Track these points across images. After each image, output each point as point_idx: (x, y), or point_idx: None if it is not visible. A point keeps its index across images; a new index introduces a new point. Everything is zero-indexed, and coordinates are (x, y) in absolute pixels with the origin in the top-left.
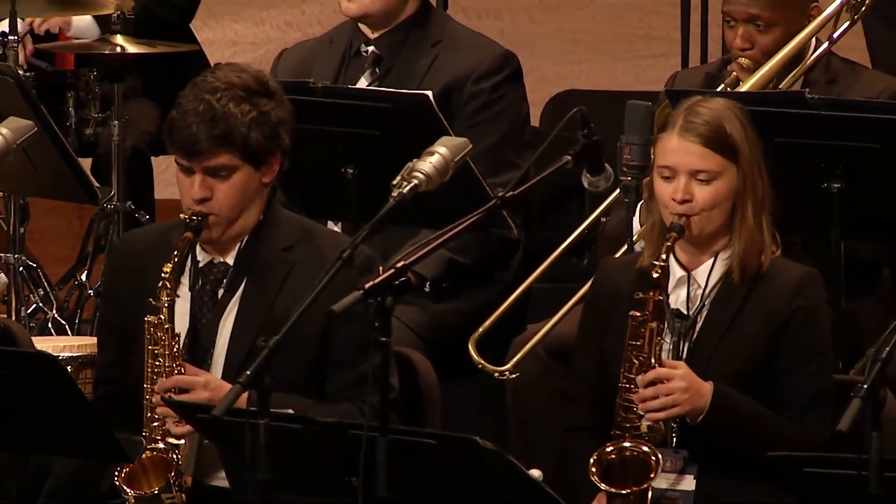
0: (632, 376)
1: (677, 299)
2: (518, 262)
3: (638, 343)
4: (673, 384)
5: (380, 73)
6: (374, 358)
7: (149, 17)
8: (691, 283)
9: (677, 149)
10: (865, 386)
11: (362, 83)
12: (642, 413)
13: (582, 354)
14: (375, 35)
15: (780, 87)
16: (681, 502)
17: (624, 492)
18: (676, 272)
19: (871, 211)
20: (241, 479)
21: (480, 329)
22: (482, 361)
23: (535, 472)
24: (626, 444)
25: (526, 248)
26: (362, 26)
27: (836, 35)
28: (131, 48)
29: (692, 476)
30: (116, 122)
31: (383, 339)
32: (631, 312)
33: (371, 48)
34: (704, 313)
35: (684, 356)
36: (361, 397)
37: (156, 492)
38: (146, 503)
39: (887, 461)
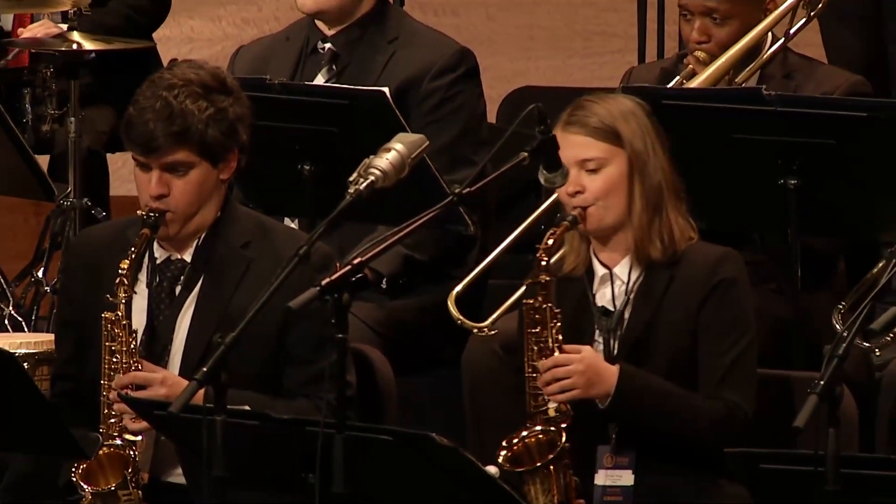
0: (535, 363)
1: (603, 297)
2: (475, 258)
3: (536, 330)
4: (571, 367)
5: (337, 70)
6: (331, 355)
7: (130, 23)
8: (614, 279)
9: (563, 143)
10: (822, 382)
11: (319, 80)
12: (548, 397)
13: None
14: (332, 32)
15: (737, 81)
16: (621, 497)
17: (534, 466)
18: (598, 271)
19: (828, 207)
20: (197, 475)
21: (459, 287)
22: (461, 317)
23: (492, 469)
24: (525, 433)
25: (482, 244)
26: (319, 23)
27: (792, 30)
28: (87, 45)
29: (631, 471)
30: (73, 119)
31: (340, 335)
32: (524, 301)
33: (328, 45)
34: (630, 308)
35: (615, 353)
36: (318, 394)
37: (112, 488)
38: (103, 499)
39: (843, 457)
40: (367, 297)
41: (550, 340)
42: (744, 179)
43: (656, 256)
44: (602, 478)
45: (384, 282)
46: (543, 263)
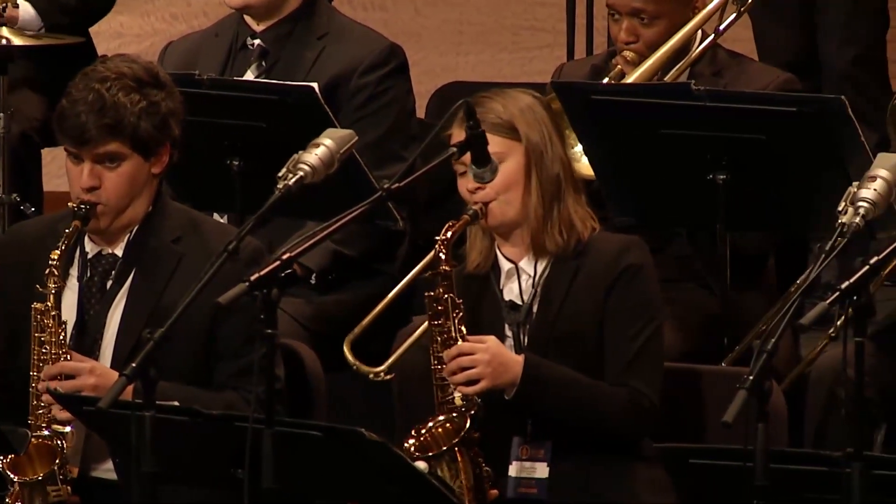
0: (440, 354)
1: (511, 292)
2: (404, 253)
3: (439, 321)
4: (476, 357)
5: (266, 66)
6: (260, 350)
7: (80, 17)
8: (520, 273)
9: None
10: (751, 377)
11: (249, 76)
12: (454, 387)
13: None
14: (261, 28)
15: (666, 79)
16: (535, 490)
17: (439, 451)
18: (504, 266)
19: (757, 202)
20: (127, 471)
21: (356, 330)
22: (357, 362)
23: (421, 464)
24: (431, 423)
25: (412, 239)
26: (248, 19)
27: (722, 27)
28: (17, 40)
29: (545, 463)
30: (2, 114)
31: (269, 331)
32: (426, 293)
33: (257, 41)
34: (538, 301)
35: (526, 346)
36: (247, 387)
37: (40, 478)
38: (30, 490)
39: (772, 452)
40: (295, 292)
41: (454, 331)
42: (673, 175)
43: (553, 248)
44: (516, 469)
45: (313, 277)
46: (442, 255)
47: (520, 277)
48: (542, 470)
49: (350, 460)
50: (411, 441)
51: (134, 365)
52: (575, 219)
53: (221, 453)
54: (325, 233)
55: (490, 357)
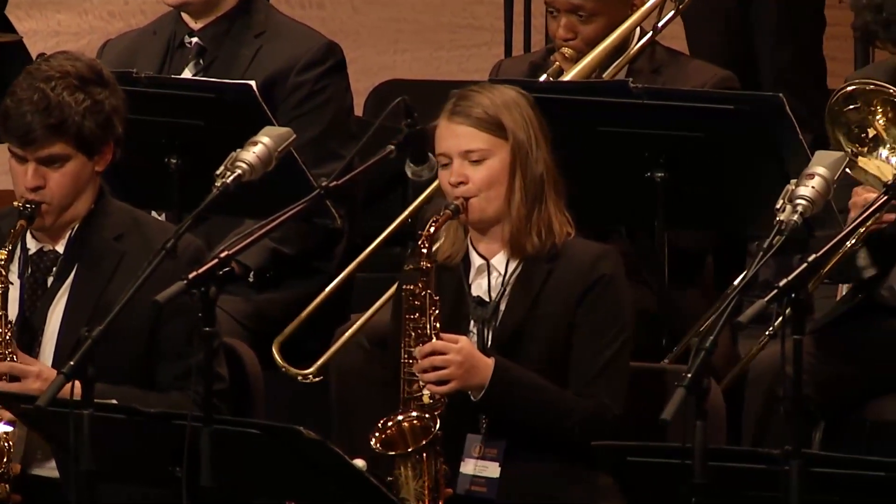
0: (411, 349)
1: (479, 288)
2: (342, 251)
3: (414, 316)
4: (448, 357)
5: (204, 64)
6: (199, 350)
7: None
8: (491, 270)
9: (447, 134)
10: (689, 375)
11: (186, 74)
12: (423, 384)
13: (393, 349)
14: (199, 26)
15: (604, 76)
16: (485, 489)
17: (406, 451)
18: (476, 261)
19: (695, 200)
20: (67, 469)
21: (285, 331)
22: (285, 365)
23: (359, 462)
24: (400, 417)
25: (350, 237)
26: (186, 17)
27: (660, 24)
28: None
29: (498, 463)
30: None
31: (207, 329)
32: (403, 286)
33: (195, 39)
34: (506, 300)
35: (489, 343)
36: (192, 387)
37: None
38: None
39: (711, 450)
40: (233, 290)
41: (428, 328)
42: (611, 173)
43: (531, 250)
44: (469, 466)
45: (251, 275)
46: (424, 251)
47: (490, 274)
48: (493, 469)
49: (288, 458)
50: (376, 435)
51: (72, 363)
52: (554, 222)
53: (160, 452)
54: (263, 231)
55: (462, 358)
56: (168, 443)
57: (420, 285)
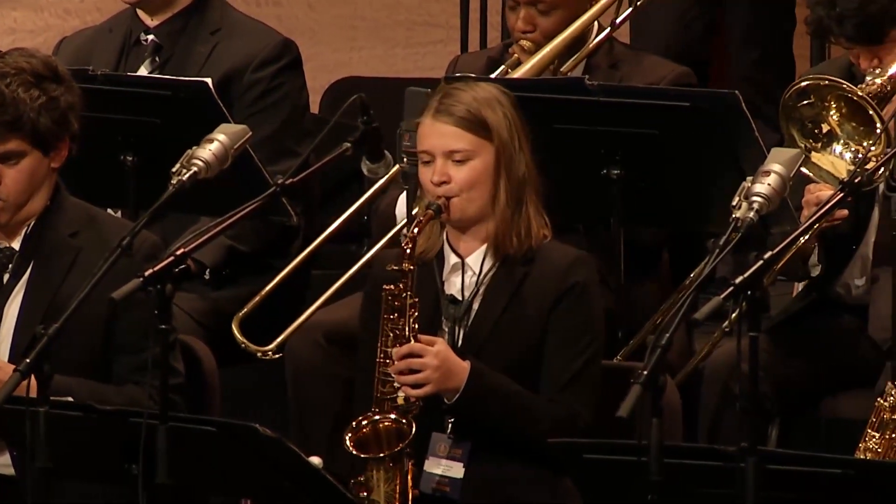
0: (388, 349)
1: (453, 286)
2: (298, 249)
3: (393, 316)
4: (425, 360)
5: (160, 62)
6: (155, 345)
7: None
8: (466, 269)
9: (431, 132)
10: (645, 372)
11: (142, 71)
12: (398, 385)
13: (365, 348)
14: (155, 23)
15: (562, 71)
16: (448, 488)
17: (380, 455)
18: (451, 259)
19: (651, 197)
20: (23, 466)
21: (245, 309)
22: (245, 341)
23: (315, 459)
24: (377, 417)
25: (306, 235)
26: (142, 14)
27: (618, 20)
28: None
29: (462, 464)
30: None
31: (164, 326)
32: (384, 286)
33: (151, 36)
34: (479, 299)
35: (460, 342)
36: (147, 380)
37: None
38: None
39: (667, 447)
40: (189, 287)
41: (407, 329)
42: (567, 170)
43: (512, 251)
44: (434, 465)
45: (207, 272)
46: (408, 251)
47: (464, 273)
48: (457, 469)
49: (244, 456)
50: (350, 435)
51: (28, 360)
52: (533, 224)
53: (117, 449)
54: (219, 228)
55: (439, 362)
56: (124, 440)
57: (401, 286)
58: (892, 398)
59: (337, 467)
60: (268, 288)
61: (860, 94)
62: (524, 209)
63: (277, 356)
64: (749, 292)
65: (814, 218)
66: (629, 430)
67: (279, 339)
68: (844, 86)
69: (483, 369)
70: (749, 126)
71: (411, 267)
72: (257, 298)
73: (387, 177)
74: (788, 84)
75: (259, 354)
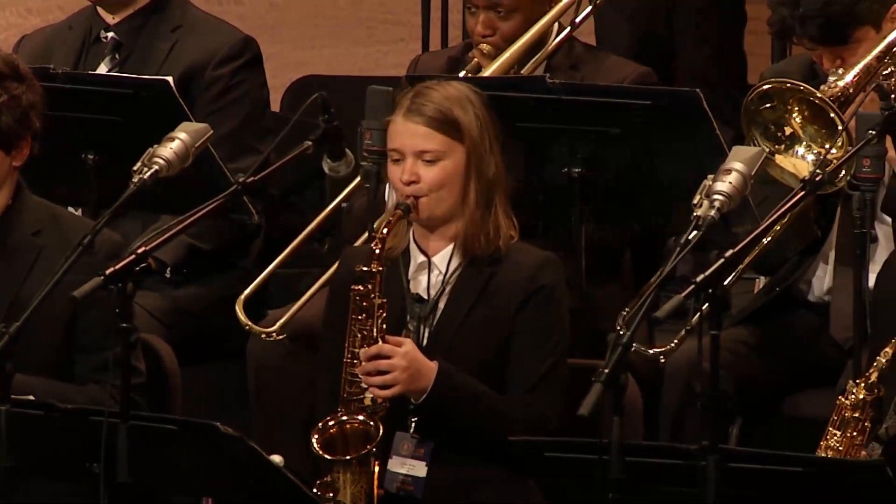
0: (356, 350)
1: (418, 285)
2: (259, 247)
3: (361, 317)
4: (394, 361)
5: (120, 59)
6: (116, 344)
7: None
8: (432, 268)
9: (402, 131)
10: (606, 370)
11: (102, 69)
12: (366, 386)
13: (328, 344)
14: (115, 20)
15: (522, 72)
16: (412, 488)
17: (347, 458)
18: (417, 258)
19: (614, 196)
20: None
21: (248, 290)
22: (249, 322)
23: (277, 458)
24: (344, 418)
25: (267, 233)
26: (102, 12)
27: (577, 20)
28: None
29: (425, 463)
30: None
31: (125, 325)
32: (353, 286)
33: (111, 34)
34: (445, 299)
35: (425, 341)
36: (109, 380)
37: None
38: None
39: (628, 446)
40: (150, 286)
41: (375, 330)
42: (528, 168)
43: (479, 251)
44: (397, 465)
45: (168, 271)
46: (377, 251)
47: (430, 272)
48: (420, 469)
49: (206, 454)
50: (316, 437)
51: None
52: (501, 224)
53: (78, 448)
54: (181, 227)
55: (407, 363)
56: (86, 439)
57: (369, 287)
58: (853, 396)
59: (302, 467)
60: (271, 266)
61: (821, 97)
62: (493, 210)
63: (283, 337)
64: (710, 290)
65: (775, 216)
66: (591, 428)
67: (283, 320)
68: (806, 88)
69: (451, 370)
70: (710, 124)
71: (381, 268)
72: (262, 278)
73: (354, 183)
74: (740, 81)
75: (263, 336)
